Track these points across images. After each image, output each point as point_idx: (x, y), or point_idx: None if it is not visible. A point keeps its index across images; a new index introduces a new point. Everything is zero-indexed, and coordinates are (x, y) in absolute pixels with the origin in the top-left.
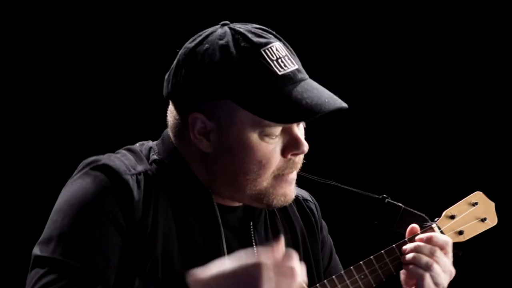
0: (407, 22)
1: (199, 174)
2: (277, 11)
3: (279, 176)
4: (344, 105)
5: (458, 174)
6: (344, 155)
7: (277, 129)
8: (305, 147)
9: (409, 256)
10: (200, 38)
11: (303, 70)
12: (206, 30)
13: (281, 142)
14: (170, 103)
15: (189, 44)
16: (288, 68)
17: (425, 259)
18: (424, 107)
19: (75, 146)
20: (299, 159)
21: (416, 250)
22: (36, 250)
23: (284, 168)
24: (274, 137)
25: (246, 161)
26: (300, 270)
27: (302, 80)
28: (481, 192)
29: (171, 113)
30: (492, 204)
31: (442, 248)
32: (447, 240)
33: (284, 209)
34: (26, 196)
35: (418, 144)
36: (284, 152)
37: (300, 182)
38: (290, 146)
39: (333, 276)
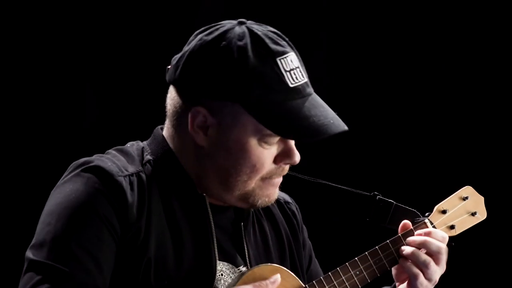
0: (405, 11)
1: (190, 170)
2: None
3: (266, 179)
4: (346, 128)
5: (447, 170)
6: (334, 154)
7: (276, 138)
8: (298, 158)
9: (408, 251)
10: (218, 32)
11: (310, 84)
12: (222, 24)
13: (276, 150)
14: (173, 89)
15: (206, 37)
16: (299, 81)
17: (423, 256)
18: (413, 104)
19: (72, 137)
20: (288, 167)
21: (422, 246)
22: (29, 254)
23: (273, 173)
24: (271, 144)
25: (240, 163)
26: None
27: (309, 94)
28: (470, 187)
29: (172, 99)
30: (481, 198)
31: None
32: (444, 235)
33: (269, 212)
34: (20, 190)
35: (407, 141)
36: (276, 160)
37: (290, 182)
38: (283, 155)
39: (329, 273)
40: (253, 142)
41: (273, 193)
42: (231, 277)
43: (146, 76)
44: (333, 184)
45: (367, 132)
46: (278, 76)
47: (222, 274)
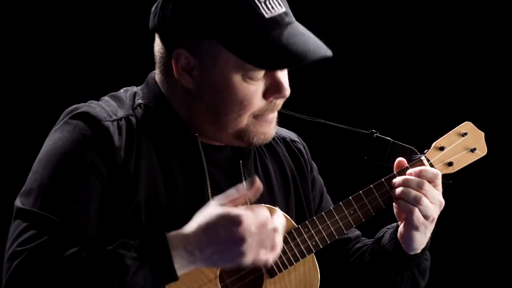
0: None
1: (182, 113)
2: None
3: (259, 116)
4: (329, 53)
5: (447, 106)
6: (332, 92)
7: (260, 73)
8: (287, 91)
9: (398, 190)
10: None
11: (290, 13)
12: None
13: (263, 85)
14: (156, 36)
15: None
16: (275, 11)
17: (413, 193)
18: (410, 42)
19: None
20: (280, 101)
21: (404, 184)
22: (18, 202)
23: (264, 110)
24: (257, 79)
25: (227, 101)
26: (282, 224)
27: (289, 23)
28: (470, 123)
29: (157, 46)
30: (481, 134)
31: (431, 181)
32: (436, 172)
33: (273, 149)
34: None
35: (405, 78)
36: (265, 95)
37: (288, 121)
38: (272, 89)
39: (322, 213)
40: (237, 78)
41: (269, 130)
42: None
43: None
44: (331, 123)
45: (365, 69)
46: (252, 7)
47: None
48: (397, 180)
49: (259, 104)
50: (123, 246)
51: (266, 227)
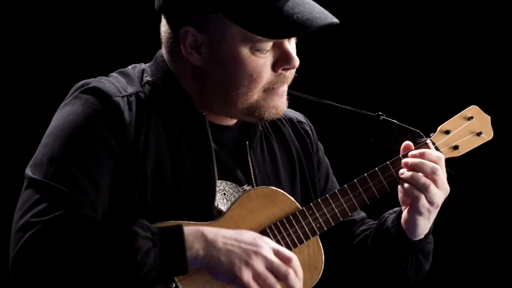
0: None
1: (191, 91)
2: None
3: (269, 90)
4: (335, 20)
5: (453, 90)
6: (339, 74)
7: (268, 44)
8: (296, 62)
9: (407, 174)
10: None
11: None
12: None
13: (272, 57)
14: (162, 16)
15: None
16: None
17: (423, 179)
18: (417, 24)
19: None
20: (290, 74)
21: (416, 168)
22: (29, 171)
23: (274, 82)
24: (265, 52)
25: (237, 76)
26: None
27: None
28: (476, 106)
29: (163, 27)
30: (487, 118)
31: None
32: (440, 155)
33: (279, 131)
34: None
35: (412, 61)
36: (275, 67)
37: (295, 102)
38: (281, 61)
39: (327, 195)
40: (246, 52)
41: (280, 103)
42: (234, 196)
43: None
44: (338, 104)
45: (373, 51)
46: None
47: (225, 194)
48: (410, 162)
49: (269, 77)
50: (140, 225)
51: (280, 266)
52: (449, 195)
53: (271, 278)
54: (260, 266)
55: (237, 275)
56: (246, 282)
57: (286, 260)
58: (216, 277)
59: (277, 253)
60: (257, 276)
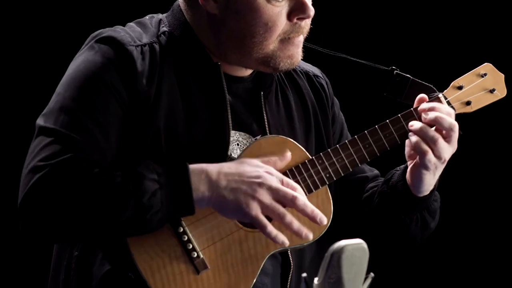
0: None
1: (207, 40)
2: None
3: (285, 40)
4: None
5: (468, 47)
6: (352, 28)
7: None
8: (311, 11)
9: (416, 126)
10: None
11: None
12: None
13: (287, 6)
14: None
15: None
16: None
17: (431, 132)
18: None
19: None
20: (306, 24)
21: (435, 122)
22: (40, 121)
23: (290, 32)
24: (280, 0)
25: (252, 24)
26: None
27: None
28: (490, 64)
29: None
30: (501, 76)
31: None
32: (450, 111)
33: (295, 82)
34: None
35: (427, 15)
36: (290, 16)
37: (309, 55)
38: (296, 10)
39: (337, 145)
40: (261, 0)
41: (296, 53)
42: (247, 146)
43: None
44: (352, 58)
45: (387, 7)
46: None
47: (238, 144)
48: (428, 115)
49: (284, 26)
50: (147, 167)
51: (287, 191)
52: (448, 194)
53: (279, 208)
54: (266, 198)
55: (246, 211)
56: (255, 216)
57: (291, 188)
58: (226, 215)
59: (281, 182)
60: (265, 209)
